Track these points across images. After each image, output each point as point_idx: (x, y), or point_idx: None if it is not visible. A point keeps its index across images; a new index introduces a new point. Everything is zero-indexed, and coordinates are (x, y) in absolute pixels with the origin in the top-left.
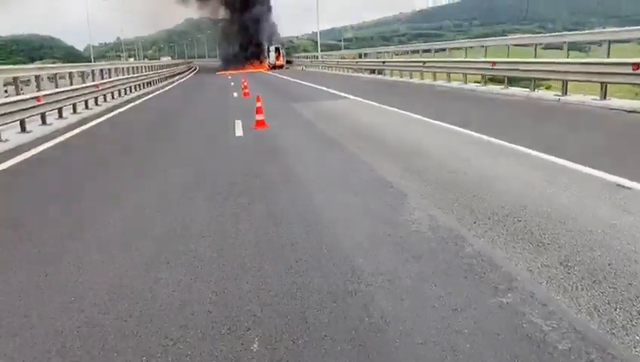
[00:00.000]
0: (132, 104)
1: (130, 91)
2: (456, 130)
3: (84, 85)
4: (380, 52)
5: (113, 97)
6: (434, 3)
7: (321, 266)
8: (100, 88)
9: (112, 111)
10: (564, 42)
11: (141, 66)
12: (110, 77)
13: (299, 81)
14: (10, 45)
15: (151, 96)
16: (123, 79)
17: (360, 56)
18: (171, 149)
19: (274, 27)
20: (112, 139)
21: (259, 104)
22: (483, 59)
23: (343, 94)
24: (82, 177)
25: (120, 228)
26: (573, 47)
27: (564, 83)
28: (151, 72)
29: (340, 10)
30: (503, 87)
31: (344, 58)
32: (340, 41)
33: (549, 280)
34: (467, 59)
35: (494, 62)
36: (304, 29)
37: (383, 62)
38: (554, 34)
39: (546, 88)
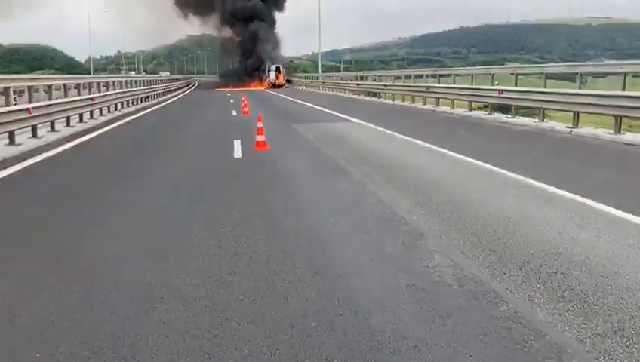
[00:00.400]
0: (128, 119)
1: (128, 105)
2: (469, 162)
3: (79, 98)
4: (380, 75)
5: (109, 111)
6: (433, 29)
7: (333, 325)
8: (95, 101)
9: (107, 125)
10: (577, 73)
11: (139, 80)
12: (107, 90)
13: (299, 101)
14: (10, 54)
15: (148, 111)
16: (120, 93)
17: (358, 78)
18: (164, 171)
19: (276, 45)
20: (103, 157)
21: (260, 124)
22: (490, 87)
23: (345, 116)
24: (64, 199)
25: (100, 262)
26: (569, 77)
27: (576, 115)
28: (149, 87)
29: (340, 32)
30: (510, 116)
31: (344, 80)
32: (340, 62)
33: (606, 356)
34: (473, 87)
35: (502, 91)
36: (304, 49)
37: (385, 85)
38: (567, 64)
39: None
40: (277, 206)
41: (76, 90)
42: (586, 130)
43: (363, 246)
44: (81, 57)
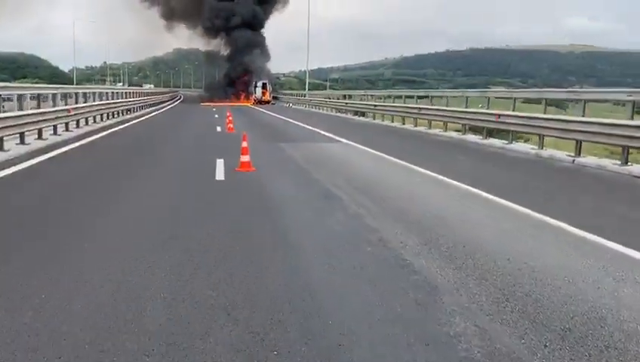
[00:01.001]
0: (105, 132)
1: (108, 118)
2: (474, 193)
3: (53, 109)
4: (370, 95)
5: (87, 123)
6: (420, 51)
7: None
8: (72, 113)
9: (81, 139)
10: (581, 99)
11: (121, 92)
12: (86, 101)
13: (286, 118)
14: None
15: (128, 125)
16: (100, 105)
17: (344, 97)
18: (136, 195)
19: (264, 61)
20: (71, 175)
21: (244, 144)
22: (487, 111)
23: (333, 136)
24: (17, 227)
25: (49, 307)
26: (551, 102)
27: (578, 143)
28: (131, 99)
29: (327, 51)
30: (507, 141)
31: (329, 98)
32: (326, 81)
33: None
34: (469, 110)
35: (499, 115)
36: (290, 66)
37: (375, 105)
38: (570, 89)
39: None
40: (262, 242)
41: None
42: (589, 159)
43: (367, 302)
44: (66, 67)
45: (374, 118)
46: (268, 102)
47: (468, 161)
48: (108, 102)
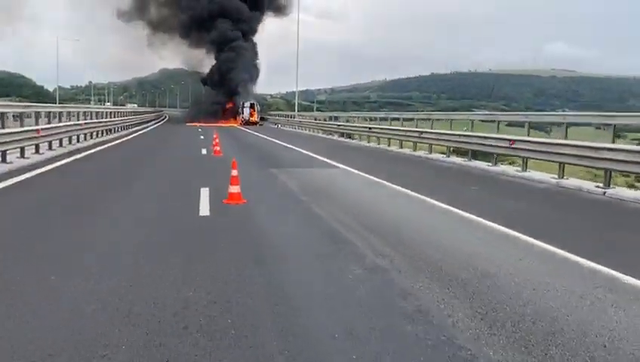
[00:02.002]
0: (78, 156)
1: (85, 139)
2: (513, 237)
3: (19, 130)
4: (352, 116)
5: (61, 145)
6: (405, 75)
7: None
8: (41, 134)
9: (50, 163)
10: (609, 124)
11: (101, 112)
12: (60, 121)
13: (275, 140)
14: None
15: (105, 146)
16: (75, 125)
17: (331, 118)
18: (101, 236)
19: (252, 80)
20: (30, 207)
21: (234, 172)
22: (498, 136)
23: (328, 161)
24: None
25: None
26: (535, 126)
27: (608, 173)
28: (112, 119)
29: (314, 73)
30: (519, 168)
31: (317, 119)
32: (313, 102)
33: None
34: (477, 134)
35: (513, 141)
36: (278, 88)
37: (370, 128)
38: (578, 113)
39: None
40: (257, 311)
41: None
42: (622, 191)
43: None
44: (51, 87)
45: (369, 141)
46: (256, 123)
47: (485, 192)
48: (84, 122)
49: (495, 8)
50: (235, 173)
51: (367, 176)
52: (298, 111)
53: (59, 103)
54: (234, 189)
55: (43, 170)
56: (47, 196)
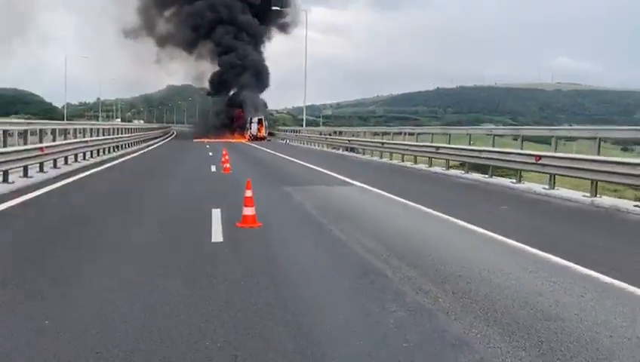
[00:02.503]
0: (83, 174)
1: (92, 156)
2: (548, 261)
3: (22, 148)
4: (358, 131)
5: (67, 162)
6: (410, 89)
7: None
8: (45, 152)
9: (52, 182)
10: (598, 137)
11: (106, 128)
12: (65, 138)
13: (285, 156)
14: None
15: (111, 164)
16: (79, 142)
17: (336, 133)
18: (100, 274)
19: (260, 95)
20: (23, 236)
21: (249, 193)
22: (523, 151)
23: (342, 178)
24: None
25: None
26: (542, 140)
27: None
28: (118, 136)
29: (320, 88)
30: (548, 186)
31: (322, 134)
32: (319, 117)
33: None
34: (497, 149)
35: (539, 156)
36: (284, 103)
37: (382, 143)
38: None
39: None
40: None
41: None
42: None
43: None
44: (59, 103)
45: (381, 157)
46: (263, 138)
47: (520, 214)
48: (90, 139)
49: (499, 23)
50: (249, 193)
51: (386, 194)
52: (304, 126)
53: (67, 120)
54: (248, 211)
55: (45, 190)
56: (44, 221)
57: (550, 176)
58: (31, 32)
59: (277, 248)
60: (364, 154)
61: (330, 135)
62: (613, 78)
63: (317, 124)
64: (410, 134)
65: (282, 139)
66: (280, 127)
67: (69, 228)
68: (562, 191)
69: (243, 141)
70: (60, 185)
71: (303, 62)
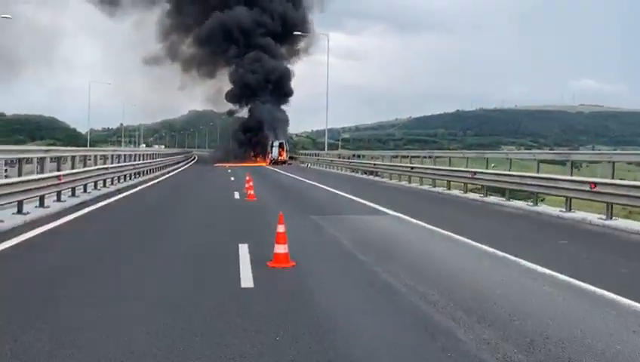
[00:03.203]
0: (103, 203)
1: (112, 183)
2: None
3: (38, 176)
4: (377, 155)
5: (86, 190)
6: (429, 112)
7: None
8: (62, 181)
9: (70, 213)
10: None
11: (128, 154)
12: (85, 165)
13: (308, 181)
14: (12, 124)
15: (131, 192)
16: (98, 170)
17: (357, 156)
18: (105, 328)
19: (284, 119)
20: (33, 276)
21: (281, 228)
22: (574, 178)
23: (374, 205)
24: None
25: None
26: (557, 162)
27: None
28: (140, 162)
29: (338, 111)
30: (605, 216)
31: (342, 157)
32: (338, 140)
33: None
34: (544, 175)
35: (594, 184)
36: (302, 127)
37: (412, 167)
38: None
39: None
40: None
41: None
42: None
43: None
44: (83, 128)
45: (410, 182)
46: (284, 162)
47: (585, 250)
48: (110, 165)
49: (519, 46)
50: (281, 228)
51: (428, 226)
52: (323, 149)
53: (90, 146)
54: (280, 249)
55: (58, 222)
56: (49, 262)
57: (607, 206)
58: (56, 60)
59: (317, 296)
60: (390, 178)
61: (348, 158)
62: (636, 100)
63: (336, 147)
64: (439, 157)
65: (303, 163)
66: (301, 151)
67: (75, 274)
68: (620, 222)
69: (264, 165)
70: (75, 216)
71: (321, 87)
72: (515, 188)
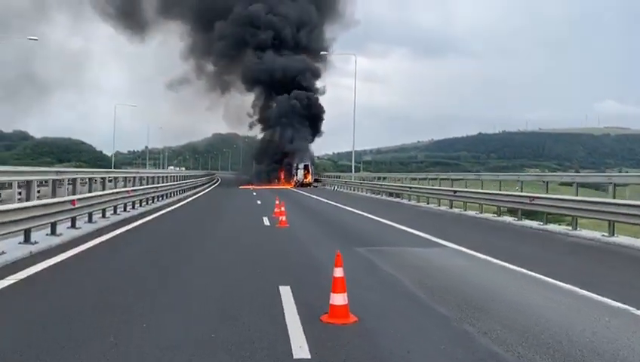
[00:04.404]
0: (119, 231)
1: (133, 207)
2: None
3: (49, 201)
4: (399, 178)
5: (104, 215)
6: (451, 135)
7: None
8: (76, 206)
9: (81, 242)
10: None
11: (150, 177)
12: (105, 188)
13: (339, 204)
14: (41, 147)
15: (153, 217)
16: (117, 193)
17: (381, 178)
18: None
19: (309, 141)
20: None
21: (339, 272)
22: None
23: (422, 234)
24: None
25: None
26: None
27: None
28: (162, 184)
29: (359, 133)
30: None
31: (364, 179)
32: (360, 163)
33: None
34: (628, 202)
35: None
36: (324, 149)
37: (455, 191)
38: None
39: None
40: None
41: (66, 187)
42: None
43: None
44: (110, 151)
45: (451, 206)
46: (309, 184)
47: None
48: (130, 188)
49: (542, 68)
50: (339, 273)
51: (499, 262)
52: (345, 171)
53: (114, 168)
54: (339, 300)
55: (68, 254)
56: (55, 301)
57: None
58: (85, 84)
59: None
60: (439, 204)
61: (379, 180)
62: None
63: (357, 170)
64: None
65: (330, 185)
66: (326, 174)
67: (70, 327)
68: None
69: (289, 187)
70: (87, 247)
71: (342, 109)
72: (591, 216)
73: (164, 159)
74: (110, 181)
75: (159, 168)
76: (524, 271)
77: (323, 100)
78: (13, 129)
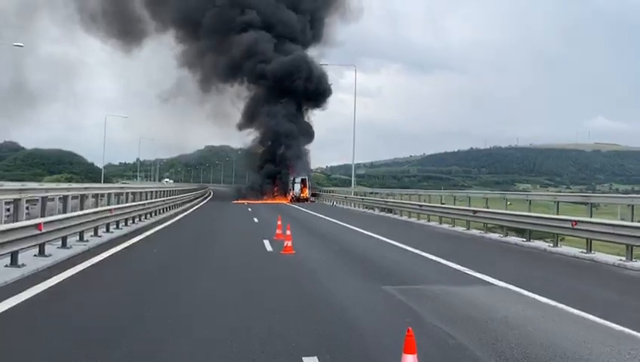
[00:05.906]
0: (94, 259)
1: (117, 227)
2: None
3: (13, 226)
4: (389, 194)
5: (82, 238)
6: (443, 150)
7: None
8: (43, 230)
9: (40, 281)
10: None
11: (139, 192)
12: (83, 208)
13: (346, 224)
14: (32, 158)
15: (136, 240)
16: (97, 213)
17: (370, 193)
18: None
19: (306, 154)
20: None
21: (411, 359)
22: None
23: (452, 265)
24: None
25: None
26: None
27: None
28: (151, 201)
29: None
30: None
31: (358, 194)
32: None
33: None
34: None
35: None
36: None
37: (474, 211)
38: None
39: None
40: None
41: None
42: None
43: None
44: (100, 163)
45: (469, 228)
46: (307, 199)
47: None
48: (114, 207)
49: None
50: (412, 360)
51: (578, 313)
52: (337, 185)
53: (104, 181)
54: None
55: (28, 293)
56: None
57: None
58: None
59: None
60: (454, 224)
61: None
62: None
63: (350, 183)
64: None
65: (329, 201)
66: (325, 188)
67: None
68: None
69: (285, 202)
70: (52, 284)
71: (335, 123)
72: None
73: (155, 171)
74: (87, 198)
75: (151, 180)
76: (613, 325)
77: (317, 113)
78: (3, 140)
